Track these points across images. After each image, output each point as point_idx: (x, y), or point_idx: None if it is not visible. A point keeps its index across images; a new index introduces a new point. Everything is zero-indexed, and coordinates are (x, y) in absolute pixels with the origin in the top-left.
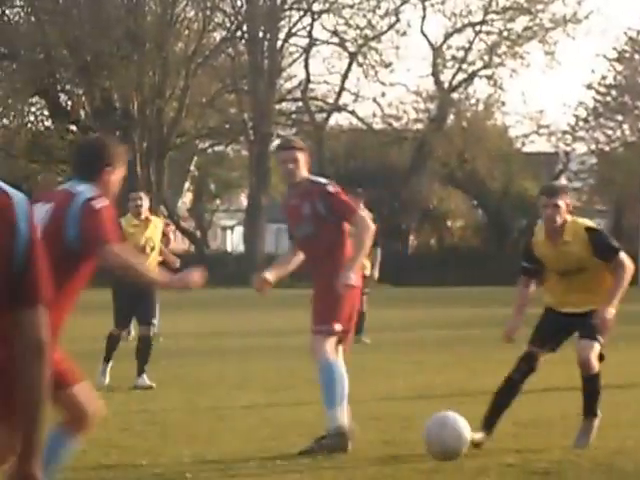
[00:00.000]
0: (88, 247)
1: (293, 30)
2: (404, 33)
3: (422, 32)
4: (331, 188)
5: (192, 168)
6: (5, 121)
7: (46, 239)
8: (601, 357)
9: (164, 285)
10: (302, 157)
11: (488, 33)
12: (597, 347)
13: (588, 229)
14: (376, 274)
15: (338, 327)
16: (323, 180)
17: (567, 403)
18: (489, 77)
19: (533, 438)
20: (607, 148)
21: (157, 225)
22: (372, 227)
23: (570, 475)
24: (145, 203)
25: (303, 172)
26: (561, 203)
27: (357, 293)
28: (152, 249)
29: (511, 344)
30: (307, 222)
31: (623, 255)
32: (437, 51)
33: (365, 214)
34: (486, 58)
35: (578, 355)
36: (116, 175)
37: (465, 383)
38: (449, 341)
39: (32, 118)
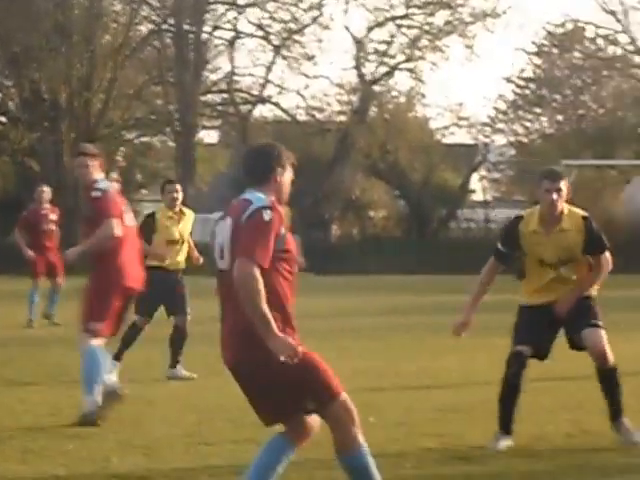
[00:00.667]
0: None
1: (218, 23)
2: (327, 27)
3: (345, 26)
4: (94, 193)
5: (119, 158)
6: None
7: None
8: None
9: (271, 336)
10: (93, 163)
11: (409, 27)
12: (606, 335)
13: (585, 218)
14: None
15: (99, 326)
16: (98, 185)
17: (487, 389)
18: (410, 70)
19: (453, 423)
20: (526, 140)
21: (190, 218)
22: (112, 232)
23: (490, 459)
24: (181, 195)
25: (95, 175)
26: (564, 188)
27: (125, 292)
28: (183, 242)
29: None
30: (83, 226)
31: (609, 254)
32: (359, 44)
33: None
34: (407, 51)
35: (593, 347)
36: (286, 176)
37: (386, 368)
38: (371, 328)
39: None
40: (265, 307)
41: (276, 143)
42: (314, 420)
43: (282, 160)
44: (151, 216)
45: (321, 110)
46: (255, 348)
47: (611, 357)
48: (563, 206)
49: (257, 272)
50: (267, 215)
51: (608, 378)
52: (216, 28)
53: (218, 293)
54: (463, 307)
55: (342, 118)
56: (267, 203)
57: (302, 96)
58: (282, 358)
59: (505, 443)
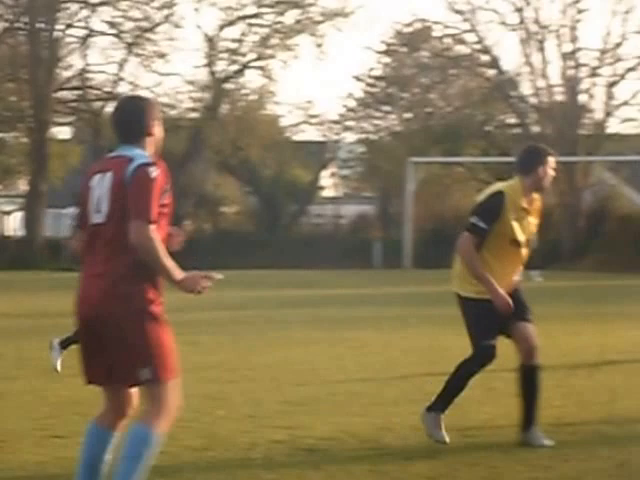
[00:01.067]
0: None
1: (72, 21)
2: (179, 25)
3: (197, 24)
4: None
5: None
6: None
7: None
8: None
9: (175, 283)
10: None
11: (260, 26)
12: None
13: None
14: None
15: None
16: None
17: (334, 381)
18: (261, 68)
19: (301, 415)
20: (375, 137)
21: None
22: None
23: (336, 451)
24: None
25: None
26: None
27: None
28: None
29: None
30: None
31: None
32: (211, 43)
33: None
34: (258, 50)
35: (528, 341)
36: (160, 130)
37: (239, 362)
38: (222, 322)
39: None
40: (166, 259)
41: (145, 96)
42: (134, 396)
43: (155, 113)
44: None
45: (173, 107)
46: (119, 303)
47: (539, 354)
48: None
49: (153, 232)
50: (153, 172)
51: (530, 376)
52: (69, 26)
53: (81, 247)
54: (491, 291)
55: (194, 115)
56: (149, 159)
57: (155, 93)
58: (193, 291)
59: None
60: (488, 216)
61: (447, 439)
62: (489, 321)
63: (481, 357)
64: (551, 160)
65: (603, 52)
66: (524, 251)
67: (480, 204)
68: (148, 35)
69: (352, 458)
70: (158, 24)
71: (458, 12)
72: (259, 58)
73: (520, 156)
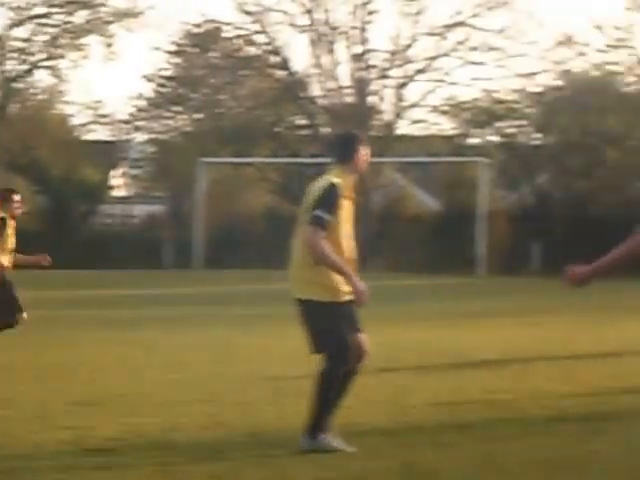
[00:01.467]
0: None
1: None
2: None
3: None
4: None
5: None
6: None
7: None
8: None
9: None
10: None
11: (50, 25)
12: None
13: None
14: None
15: None
16: None
17: (123, 381)
18: (51, 68)
19: (89, 416)
20: (165, 137)
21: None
22: None
23: (125, 451)
24: None
25: None
26: None
27: None
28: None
29: None
30: None
31: None
32: (0, 42)
33: None
34: (48, 50)
35: (364, 347)
36: None
37: (27, 362)
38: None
39: None
40: None
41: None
42: None
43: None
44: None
45: None
46: None
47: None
48: None
49: None
50: None
51: (343, 381)
52: None
53: None
54: (351, 281)
55: None
56: None
57: None
58: None
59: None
60: (330, 207)
61: (349, 448)
62: (343, 323)
63: (344, 359)
64: (364, 142)
65: (393, 54)
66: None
67: (319, 197)
68: None
69: (140, 458)
70: None
71: (248, 13)
72: (49, 58)
73: (336, 146)
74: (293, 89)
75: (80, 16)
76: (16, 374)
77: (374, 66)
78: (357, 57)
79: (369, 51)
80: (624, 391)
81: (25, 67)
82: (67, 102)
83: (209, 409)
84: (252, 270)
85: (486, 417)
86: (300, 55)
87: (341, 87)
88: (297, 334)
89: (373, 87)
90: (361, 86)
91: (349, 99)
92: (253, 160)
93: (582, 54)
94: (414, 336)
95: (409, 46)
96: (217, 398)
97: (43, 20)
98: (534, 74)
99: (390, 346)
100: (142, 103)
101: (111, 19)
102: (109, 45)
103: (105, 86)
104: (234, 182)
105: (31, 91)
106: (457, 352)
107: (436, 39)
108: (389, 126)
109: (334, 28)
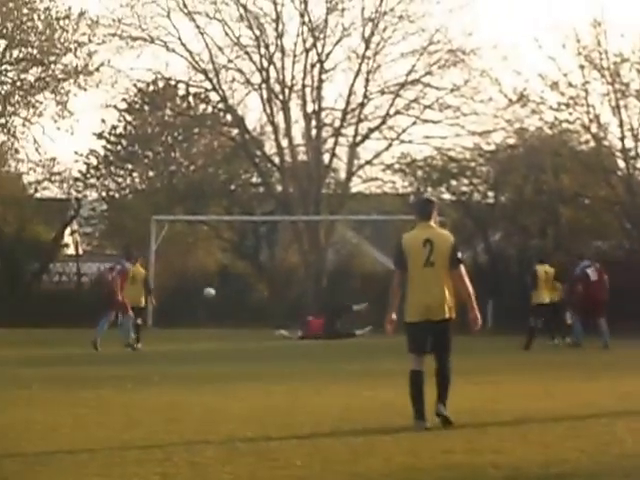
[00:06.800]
0: None
1: None
2: None
3: None
4: None
5: None
6: None
7: None
8: None
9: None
10: None
11: (2, 83)
12: None
13: None
14: None
15: None
16: None
17: (74, 441)
18: (2, 125)
19: (40, 476)
20: (117, 195)
21: None
22: None
23: None
24: None
25: None
26: None
27: None
28: None
29: None
30: None
31: None
32: None
33: None
34: (0, 107)
35: None
36: None
37: None
38: None
39: None
40: None
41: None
42: None
43: None
44: None
45: None
46: None
47: None
48: None
49: None
50: None
51: None
52: None
53: None
54: None
55: None
56: None
57: None
58: None
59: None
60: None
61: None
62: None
63: None
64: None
65: (346, 112)
66: None
67: (455, 244)
68: None
69: None
70: None
71: (201, 71)
72: (0, 115)
73: (421, 207)
74: (247, 147)
75: (33, 73)
76: None
77: (328, 124)
78: (311, 115)
79: (323, 109)
80: (580, 451)
81: None
82: (19, 159)
83: (163, 469)
84: (204, 329)
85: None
86: (254, 112)
87: (295, 145)
88: (248, 394)
89: (327, 145)
90: (315, 144)
91: (303, 157)
92: (206, 218)
93: (536, 112)
94: (369, 395)
95: (363, 104)
96: (170, 457)
97: None
98: (488, 132)
99: (346, 405)
100: (94, 161)
101: (64, 76)
102: (62, 103)
103: (58, 143)
104: (187, 240)
105: None
106: (409, 412)
107: (390, 97)
108: (343, 184)
109: (288, 86)
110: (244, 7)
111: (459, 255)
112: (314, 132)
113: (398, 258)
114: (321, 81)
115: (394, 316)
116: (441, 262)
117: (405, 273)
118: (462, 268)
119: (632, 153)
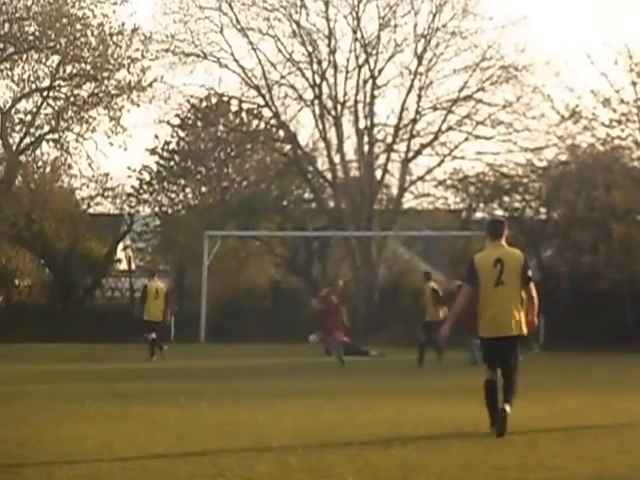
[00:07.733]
0: None
1: None
2: None
3: None
4: None
5: None
6: None
7: None
8: None
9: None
10: None
11: (55, 98)
12: None
13: None
14: None
15: None
16: None
17: (126, 456)
18: (56, 141)
19: None
20: (170, 210)
21: None
22: None
23: None
24: None
25: None
26: None
27: None
28: None
29: None
30: None
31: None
32: (5, 115)
33: None
34: (53, 122)
35: None
36: None
37: (30, 436)
38: (15, 396)
39: None
40: None
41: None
42: None
43: None
44: None
45: None
46: None
47: None
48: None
49: None
50: None
51: None
52: None
53: None
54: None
55: None
56: None
57: None
58: None
59: None
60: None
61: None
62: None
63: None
64: None
65: (398, 128)
66: None
67: (526, 262)
68: None
69: None
70: None
71: (254, 87)
72: (54, 131)
73: (492, 227)
74: (299, 163)
75: (86, 88)
76: (18, 449)
77: (381, 140)
78: (363, 131)
79: (375, 125)
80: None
81: (30, 140)
82: (73, 175)
83: None
84: (256, 344)
85: None
86: (307, 128)
87: (347, 161)
88: (299, 410)
89: (379, 161)
90: (367, 160)
91: (355, 173)
92: (259, 233)
93: (588, 129)
94: (419, 410)
95: (415, 120)
96: (223, 472)
97: (49, 93)
98: (540, 148)
99: (395, 421)
100: (147, 176)
101: (117, 92)
102: (115, 118)
103: (111, 159)
104: (239, 255)
105: (37, 164)
106: (463, 426)
107: (442, 113)
108: (395, 200)
109: (340, 102)
110: (297, 23)
111: (529, 273)
112: (366, 148)
113: (470, 275)
114: (373, 97)
115: (447, 331)
116: (512, 280)
117: (477, 290)
118: (532, 285)
119: None
